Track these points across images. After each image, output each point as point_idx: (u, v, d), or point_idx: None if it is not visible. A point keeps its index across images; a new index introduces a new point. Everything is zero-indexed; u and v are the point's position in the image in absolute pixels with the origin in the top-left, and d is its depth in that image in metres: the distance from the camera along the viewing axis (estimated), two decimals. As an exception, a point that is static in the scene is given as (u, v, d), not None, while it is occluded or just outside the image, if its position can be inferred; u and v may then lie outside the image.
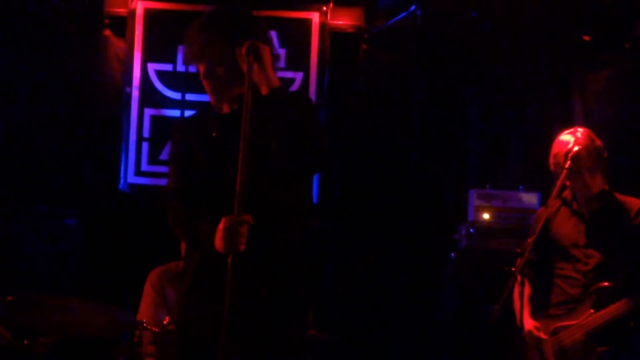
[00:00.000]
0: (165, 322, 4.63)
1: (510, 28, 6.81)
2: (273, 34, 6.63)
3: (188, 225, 3.63)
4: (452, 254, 6.32)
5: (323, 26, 6.81)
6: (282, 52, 6.76)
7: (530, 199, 6.31)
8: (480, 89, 6.99)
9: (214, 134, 3.67)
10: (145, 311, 5.18)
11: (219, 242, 3.40)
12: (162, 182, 4.05)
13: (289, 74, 6.75)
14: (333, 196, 6.85)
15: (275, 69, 3.62)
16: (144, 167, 6.80)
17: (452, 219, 6.57)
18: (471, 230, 6.25)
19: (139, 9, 6.82)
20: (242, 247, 3.38)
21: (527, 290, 5.01)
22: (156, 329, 4.63)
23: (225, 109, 3.71)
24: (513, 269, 4.68)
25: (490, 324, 4.61)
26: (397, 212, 6.88)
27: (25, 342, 4.67)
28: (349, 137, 6.87)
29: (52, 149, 6.78)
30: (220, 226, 3.39)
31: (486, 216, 6.28)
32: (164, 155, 6.65)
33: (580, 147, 5.00)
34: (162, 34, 6.79)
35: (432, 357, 6.56)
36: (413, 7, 6.66)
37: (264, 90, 3.51)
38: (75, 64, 6.87)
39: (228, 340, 3.34)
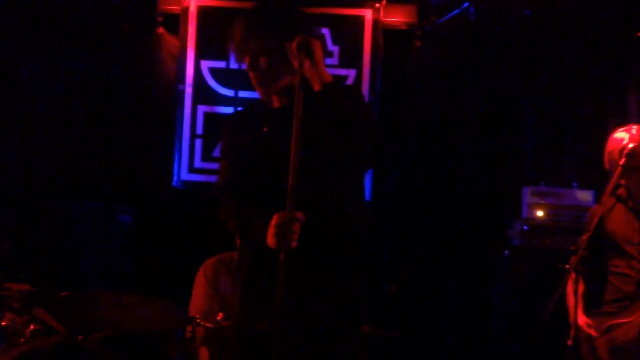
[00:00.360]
0: (219, 317, 4.65)
1: (564, 25, 6.76)
2: (326, 31, 6.65)
3: (240, 221, 3.64)
4: (506, 252, 6.29)
5: (376, 23, 6.81)
6: (335, 49, 6.77)
7: (584, 196, 6.27)
8: (534, 86, 6.95)
9: (264, 129, 3.68)
10: (197, 302, 5.20)
11: (271, 239, 3.42)
12: (215, 178, 4.08)
13: (341, 71, 6.76)
14: (386, 193, 6.84)
15: (325, 65, 3.61)
16: (197, 164, 6.85)
17: (506, 217, 6.54)
18: (525, 227, 6.22)
19: (192, 7, 6.87)
20: (294, 244, 3.39)
21: (581, 287, 4.96)
22: (210, 325, 4.65)
23: (276, 103, 3.73)
24: (567, 266, 4.65)
25: (544, 321, 4.59)
26: (450, 209, 6.86)
27: (79, 337, 4.73)
28: (401, 134, 6.86)
29: (107, 146, 6.85)
30: (273, 223, 3.41)
31: (540, 213, 6.25)
32: (217, 152, 6.68)
33: (635, 144, 4.95)
34: (215, 31, 6.83)
35: (486, 354, 6.54)
36: (466, 4, 6.63)
37: (316, 86, 3.51)
38: (129, 62, 6.94)
39: (281, 335, 3.36)
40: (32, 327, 4.83)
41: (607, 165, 5.12)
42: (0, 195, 6.74)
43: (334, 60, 6.74)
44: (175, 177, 6.86)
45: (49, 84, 6.94)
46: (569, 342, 4.73)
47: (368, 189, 6.68)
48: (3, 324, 4.93)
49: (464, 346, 6.70)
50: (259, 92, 3.72)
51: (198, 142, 6.88)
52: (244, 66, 3.78)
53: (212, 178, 6.64)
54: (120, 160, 6.84)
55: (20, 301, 4.92)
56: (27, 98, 6.91)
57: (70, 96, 6.93)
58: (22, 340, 4.77)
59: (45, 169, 6.83)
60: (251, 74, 3.70)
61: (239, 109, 6.44)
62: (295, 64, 3.47)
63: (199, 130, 6.88)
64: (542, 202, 6.27)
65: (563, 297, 4.86)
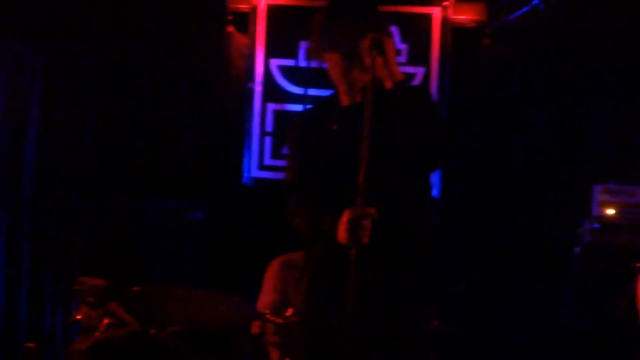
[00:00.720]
0: (287, 313, 4.69)
1: (635, 19, 6.70)
2: (395, 30, 6.67)
3: (309, 217, 3.67)
4: (577, 249, 6.26)
5: (445, 21, 6.82)
6: (403, 47, 6.79)
7: (656, 194, 6.22)
8: (604, 83, 6.90)
9: (334, 127, 3.71)
10: (266, 298, 5.24)
11: (342, 235, 3.44)
12: (284, 175, 4.15)
13: (410, 69, 6.78)
14: (455, 190, 6.84)
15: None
16: (267, 161, 6.92)
17: (576, 214, 6.50)
18: (595, 225, 6.19)
19: (262, 5, 6.93)
20: (365, 240, 3.42)
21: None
22: (279, 320, 4.69)
23: (346, 101, 3.75)
24: (638, 264, 4.63)
25: (615, 320, 4.57)
26: (520, 206, 6.85)
27: (152, 331, 4.80)
28: (470, 132, 6.86)
29: (178, 144, 6.93)
30: (344, 219, 3.43)
31: (611, 211, 6.20)
32: (286, 150, 6.71)
33: None
34: (284, 30, 6.89)
35: (554, 354, 6.51)
36: (536, 1, 6.61)
37: (388, 84, 3.54)
38: (199, 60, 7.01)
39: (351, 332, 3.38)
40: (106, 320, 4.92)
41: None
42: (75, 192, 6.86)
43: (402, 58, 6.76)
44: (245, 175, 6.92)
45: (120, 83, 7.04)
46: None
47: (437, 186, 6.68)
48: (79, 317, 5.04)
49: (532, 344, 6.68)
50: (340, 89, 3.74)
51: (268, 140, 6.94)
52: (314, 64, 3.81)
53: (282, 175, 6.69)
54: (191, 158, 6.93)
55: (95, 295, 5.01)
56: (100, 97, 7.02)
57: (141, 94, 7.02)
58: (97, 333, 4.86)
59: (118, 167, 6.96)
60: (330, 73, 3.72)
61: (308, 106, 6.48)
62: (368, 61, 3.50)
63: (269, 127, 6.94)
64: (613, 200, 6.23)
65: (634, 296, 4.83)
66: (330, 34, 3.67)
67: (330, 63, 3.69)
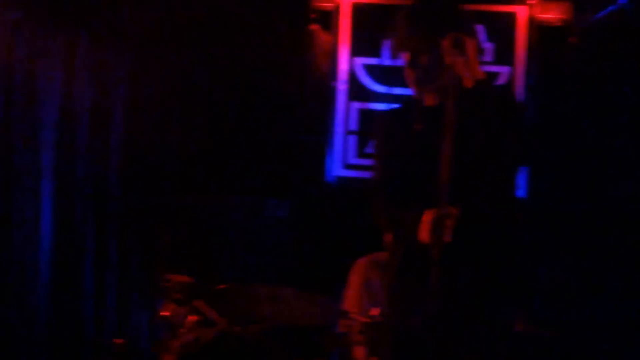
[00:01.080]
0: (372, 312, 4.70)
1: None
2: (479, 28, 6.64)
3: (392, 216, 3.70)
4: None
5: (531, 20, 6.77)
6: (488, 46, 6.75)
7: None
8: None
9: (417, 126, 3.72)
10: (350, 300, 5.26)
11: (424, 234, 3.48)
12: (369, 175, 4.16)
13: (495, 69, 6.75)
14: (541, 190, 6.79)
15: (479, 62, 3.65)
16: (351, 160, 6.93)
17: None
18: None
19: (346, 3, 6.95)
20: (447, 240, 3.44)
21: None
22: (365, 319, 4.70)
23: (429, 101, 3.77)
24: None
25: None
26: (607, 207, 6.77)
27: (237, 329, 4.85)
28: (556, 131, 6.80)
29: (262, 141, 6.98)
30: (426, 218, 3.47)
31: None
32: (370, 149, 6.71)
33: None
34: (368, 28, 6.89)
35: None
36: (623, 0, 6.53)
37: (469, 83, 3.55)
38: (282, 59, 7.04)
39: (435, 331, 3.40)
40: (192, 317, 4.98)
41: None
42: (161, 188, 6.96)
43: (487, 58, 6.72)
44: (329, 173, 6.94)
45: (203, 80, 7.10)
46: None
47: (523, 186, 6.64)
48: (165, 314, 5.11)
49: (626, 346, 6.60)
50: (415, 89, 3.76)
51: (352, 139, 6.95)
52: (399, 62, 3.83)
53: (366, 174, 6.71)
54: (275, 155, 6.97)
55: (181, 293, 5.09)
56: (182, 95, 7.09)
57: (224, 92, 7.08)
58: (183, 330, 4.93)
59: (203, 164, 7.00)
60: (408, 72, 3.74)
61: (392, 106, 6.49)
62: (449, 60, 3.52)
63: (353, 126, 6.95)
64: None
65: None
66: (411, 33, 3.68)
67: (414, 65, 3.71)
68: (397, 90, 6.77)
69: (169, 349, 4.76)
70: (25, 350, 7.04)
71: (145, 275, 6.91)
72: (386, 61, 6.85)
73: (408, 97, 3.92)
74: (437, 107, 3.68)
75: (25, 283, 7.05)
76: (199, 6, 7.05)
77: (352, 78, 6.95)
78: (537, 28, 6.81)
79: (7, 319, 7.03)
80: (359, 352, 4.87)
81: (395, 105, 4.19)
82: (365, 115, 6.91)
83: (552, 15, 6.87)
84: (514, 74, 6.78)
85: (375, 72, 6.92)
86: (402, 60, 3.78)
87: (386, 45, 6.78)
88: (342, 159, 6.94)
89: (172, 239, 5.91)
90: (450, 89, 3.46)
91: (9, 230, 7.02)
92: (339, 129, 6.96)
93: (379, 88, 6.91)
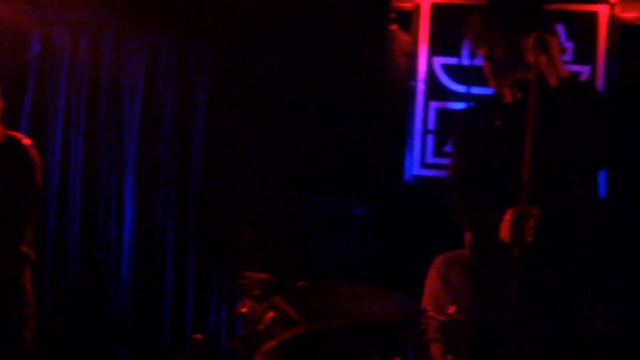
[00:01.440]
0: (451, 310, 4.70)
1: None
2: (561, 28, 6.60)
3: (472, 214, 3.70)
4: None
5: (612, 19, 6.70)
6: (569, 45, 6.71)
7: None
8: None
9: (497, 123, 3.73)
10: (429, 298, 5.28)
11: (504, 233, 3.47)
12: (447, 173, 4.19)
13: (576, 68, 6.69)
14: (623, 190, 6.72)
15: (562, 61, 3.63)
16: (429, 159, 6.92)
17: None
18: None
19: (425, 3, 6.95)
20: (528, 239, 3.43)
21: None
22: (442, 317, 4.71)
23: (509, 97, 3.75)
24: None
25: None
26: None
27: (317, 325, 4.87)
28: (636, 131, 6.72)
29: (341, 140, 7.00)
30: (507, 217, 3.45)
31: None
32: (448, 148, 6.71)
33: None
34: (448, 28, 6.88)
35: None
36: None
37: (553, 81, 3.54)
38: (361, 58, 7.05)
39: (515, 329, 3.39)
40: (270, 314, 5.03)
41: None
42: (241, 186, 7.03)
43: (568, 57, 6.67)
44: (407, 172, 6.95)
45: (284, 80, 7.15)
46: None
47: (604, 186, 6.58)
48: (243, 310, 5.17)
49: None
50: (492, 83, 3.76)
51: (430, 138, 6.94)
52: (477, 62, 3.84)
53: (444, 173, 6.70)
54: (354, 154, 6.98)
55: (259, 289, 5.14)
56: (263, 94, 7.14)
57: (305, 92, 7.12)
58: (261, 327, 4.97)
59: (282, 163, 7.06)
60: (486, 65, 3.74)
61: (472, 104, 6.49)
62: (531, 59, 3.51)
63: (431, 126, 6.94)
64: None
65: None
66: (487, 26, 3.68)
67: (490, 58, 3.70)
68: (476, 90, 6.75)
69: (247, 345, 4.80)
70: (106, 346, 7.16)
71: (224, 272, 6.98)
72: (465, 61, 6.84)
73: (488, 94, 3.92)
74: (518, 104, 3.67)
75: (107, 277, 7.18)
76: (280, 8, 7.11)
77: (431, 78, 6.94)
78: (618, 27, 6.74)
79: (89, 314, 7.15)
80: (436, 349, 4.90)
81: (475, 103, 4.19)
82: (443, 114, 6.91)
83: (633, 14, 6.80)
84: (594, 73, 6.73)
85: (454, 71, 6.91)
86: (479, 55, 3.79)
87: (465, 45, 6.78)
88: (421, 158, 6.94)
89: (253, 236, 5.95)
90: (533, 87, 3.45)
91: (94, 227, 7.14)
92: (417, 128, 6.96)
93: (458, 87, 6.89)
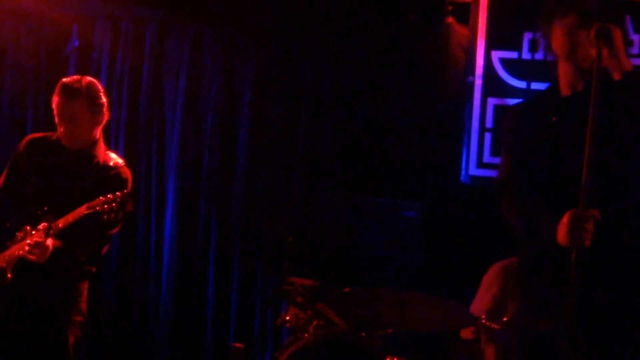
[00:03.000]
0: (505, 318, 4.62)
1: None
2: (627, 19, 6.44)
3: (525, 217, 3.61)
4: None
5: (683, 11, 6.55)
6: (635, 38, 6.56)
7: None
8: None
9: (553, 119, 3.62)
10: (482, 305, 5.19)
11: (562, 236, 3.36)
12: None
13: (641, 62, 6.55)
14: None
15: (627, 54, 3.53)
16: (486, 158, 6.80)
17: None
18: None
19: (484, -5, 6.84)
20: (587, 244, 3.33)
21: None
22: (496, 326, 4.62)
23: (566, 91, 3.66)
24: None
25: None
26: None
27: (363, 334, 4.81)
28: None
29: (393, 140, 6.92)
30: (564, 220, 3.35)
31: None
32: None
33: None
34: (507, 21, 6.76)
35: None
36: None
37: (616, 75, 3.44)
38: (416, 52, 6.96)
39: (572, 339, 3.30)
40: (315, 322, 4.96)
41: None
42: (286, 189, 6.98)
43: (634, 50, 6.53)
44: (463, 172, 6.84)
45: (333, 77, 7.09)
46: None
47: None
48: (287, 318, 5.11)
49: None
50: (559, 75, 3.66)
51: (487, 136, 6.82)
52: (538, 56, 3.76)
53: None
54: (406, 154, 6.90)
55: (304, 296, 5.08)
56: (311, 92, 7.09)
57: (356, 90, 7.04)
58: (307, 335, 4.91)
59: (330, 163, 6.99)
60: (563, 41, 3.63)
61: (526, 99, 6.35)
62: (593, 52, 3.41)
63: (489, 123, 6.82)
64: None
65: None
66: (544, 17, 3.60)
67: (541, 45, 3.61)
68: (537, 86, 6.62)
69: (290, 354, 4.74)
70: (149, 353, 7.15)
71: (268, 278, 6.93)
72: (525, 54, 6.71)
73: (542, 89, 3.82)
74: (575, 98, 3.57)
75: (147, 284, 7.18)
76: (330, 1, 7.03)
77: (489, 73, 6.81)
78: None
79: (130, 322, 7.15)
80: (489, 357, 4.80)
81: (528, 98, 4.09)
82: (502, 111, 6.77)
83: None
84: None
85: (513, 66, 6.77)
86: (546, 53, 3.71)
87: (525, 38, 6.65)
88: (477, 157, 6.82)
89: (297, 240, 5.89)
90: (594, 81, 3.34)
91: (133, 232, 7.13)
92: (474, 126, 6.84)
93: (518, 83, 6.75)
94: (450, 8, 6.96)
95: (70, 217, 4.62)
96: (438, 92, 6.98)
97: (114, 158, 5.07)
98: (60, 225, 4.62)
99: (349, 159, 6.96)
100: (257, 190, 7.06)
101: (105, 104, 4.99)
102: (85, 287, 5.01)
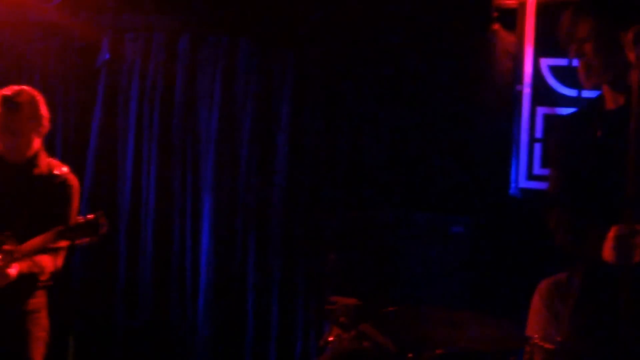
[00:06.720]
0: (559, 338, 4.66)
1: None
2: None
3: (572, 232, 3.68)
4: None
5: None
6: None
7: None
8: None
9: (598, 133, 3.68)
10: (534, 325, 5.23)
11: (608, 252, 3.44)
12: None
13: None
14: None
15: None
16: (537, 170, 6.84)
17: None
18: None
19: (531, 0, 6.90)
20: (636, 259, 3.40)
21: None
22: (549, 346, 4.67)
23: (610, 104, 3.71)
24: None
25: None
26: None
27: (410, 355, 4.87)
28: None
29: (438, 152, 6.99)
30: (611, 235, 3.42)
31: None
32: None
33: None
34: (555, 27, 6.80)
35: None
36: None
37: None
38: (461, 60, 7.02)
39: (623, 358, 3.37)
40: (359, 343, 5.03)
41: None
42: (327, 205, 7.06)
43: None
44: (512, 185, 6.87)
45: (375, 86, 7.17)
46: None
47: None
48: (330, 339, 5.18)
49: None
50: (586, 85, 3.70)
51: (537, 147, 6.84)
52: (575, 62, 3.79)
53: (547, 186, 6.63)
54: (452, 166, 6.96)
55: (346, 316, 5.15)
56: (352, 102, 7.20)
57: (400, 99, 7.11)
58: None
59: (373, 178, 7.07)
60: (580, 65, 3.70)
61: (572, 111, 6.42)
62: (632, 57, 3.46)
63: (538, 133, 6.84)
64: None
65: None
66: (581, 22, 3.69)
67: (579, 54, 3.67)
68: (588, 94, 6.66)
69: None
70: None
71: (310, 298, 7.04)
72: (576, 62, 6.75)
73: (589, 100, 3.87)
74: (620, 111, 3.63)
75: (185, 303, 7.32)
76: (372, 8, 7.11)
77: (538, 81, 6.86)
78: None
79: (167, 341, 7.27)
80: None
81: (575, 110, 4.14)
82: (551, 121, 6.83)
83: None
84: None
85: (563, 73, 6.82)
86: (570, 55, 3.76)
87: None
88: (527, 169, 6.87)
89: (340, 257, 5.96)
90: (633, 89, 3.40)
91: (168, 249, 7.24)
92: (523, 136, 6.88)
93: (568, 91, 6.80)
94: (496, 14, 7.01)
95: (38, 243, 4.86)
96: (485, 101, 7.06)
97: (58, 165, 5.29)
98: (24, 249, 4.85)
99: (394, 173, 7.04)
100: (298, 206, 7.15)
101: (46, 116, 5.22)
102: (44, 302, 5.24)
